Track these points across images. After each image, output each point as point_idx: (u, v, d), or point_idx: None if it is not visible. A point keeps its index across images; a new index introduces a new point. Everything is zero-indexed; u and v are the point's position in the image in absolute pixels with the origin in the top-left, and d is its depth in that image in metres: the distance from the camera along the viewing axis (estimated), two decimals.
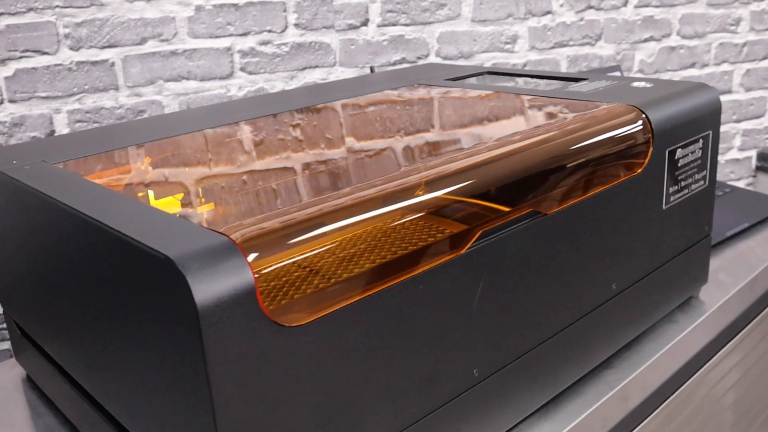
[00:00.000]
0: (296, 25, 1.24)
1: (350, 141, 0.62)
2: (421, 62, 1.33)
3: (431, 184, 0.50)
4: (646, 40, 1.46)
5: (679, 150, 0.71)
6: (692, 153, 0.73)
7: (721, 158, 1.63)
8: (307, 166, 0.57)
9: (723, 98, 1.58)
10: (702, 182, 0.76)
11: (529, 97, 0.74)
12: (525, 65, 1.39)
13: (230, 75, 1.23)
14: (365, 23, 1.28)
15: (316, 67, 1.27)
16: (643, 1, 1.43)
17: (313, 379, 0.43)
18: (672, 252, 0.74)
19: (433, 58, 1.33)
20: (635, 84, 0.77)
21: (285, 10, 1.23)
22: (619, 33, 1.43)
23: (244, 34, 1.22)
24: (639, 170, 0.66)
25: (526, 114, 0.67)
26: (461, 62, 1.35)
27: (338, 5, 1.25)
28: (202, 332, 0.38)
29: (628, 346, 0.73)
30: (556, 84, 0.81)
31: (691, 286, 0.79)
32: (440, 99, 0.77)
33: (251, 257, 0.40)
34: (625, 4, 1.42)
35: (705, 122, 0.74)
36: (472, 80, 0.87)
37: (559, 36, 1.39)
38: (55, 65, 1.13)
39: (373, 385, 0.47)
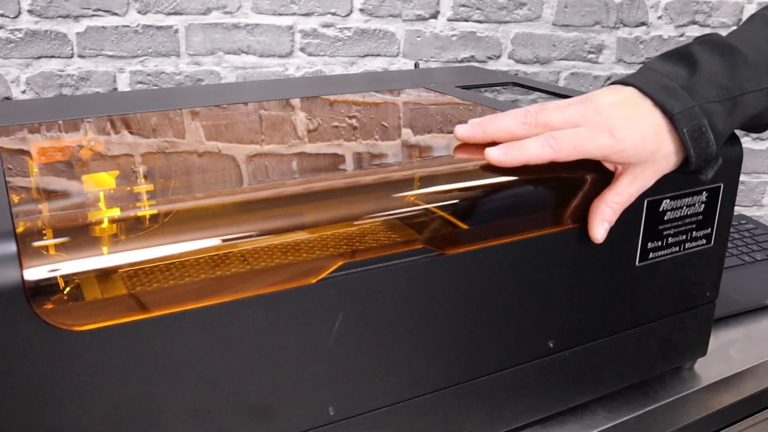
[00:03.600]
0: (362, 11, 1.21)
1: (248, 146, 0.59)
2: (491, 63, 1.26)
3: (284, 201, 0.46)
4: None
5: (666, 201, 0.61)
6: (689, 207, 0.63)
7: None
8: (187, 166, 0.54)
9: None
10: (703, 241, 0.65)
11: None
12: (609, 79, 1.27)
13: (289, 54, 1.22)
14: (434, 15, 1.22)
15: (378, 55, 1.23)
16: None
17: (98, 390, 0.41)
18: (649, 315, 0.65)
19: (504, 60, 1.25)
20: None
21: None
22: None
23: (308, 14, 1.20)
24: None
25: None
26: (536, 68, 1.26)
27: None
28: None
29: (575, 411, 0.64)
30: None
31: (678, 356, 0.69)
32: (401, 108, 0.71)
33: (29, 252, 0.39)
34: (737, 24, 1.25)
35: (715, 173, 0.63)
36: (484, 91, 0.80)
37: (652, 51, 1.26)
38: (123, 26, 1.17)
39: (177, 406, 0.44)
